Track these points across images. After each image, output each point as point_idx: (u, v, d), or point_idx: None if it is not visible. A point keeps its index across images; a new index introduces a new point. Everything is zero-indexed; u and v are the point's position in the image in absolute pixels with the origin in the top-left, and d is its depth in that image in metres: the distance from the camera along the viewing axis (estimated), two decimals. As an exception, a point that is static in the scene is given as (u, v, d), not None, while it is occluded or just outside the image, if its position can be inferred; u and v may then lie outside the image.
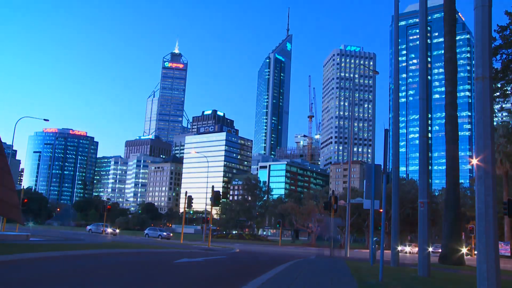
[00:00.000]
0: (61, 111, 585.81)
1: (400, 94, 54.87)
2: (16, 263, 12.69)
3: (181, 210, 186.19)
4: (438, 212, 57.75)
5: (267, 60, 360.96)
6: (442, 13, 27.98)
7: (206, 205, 55.32)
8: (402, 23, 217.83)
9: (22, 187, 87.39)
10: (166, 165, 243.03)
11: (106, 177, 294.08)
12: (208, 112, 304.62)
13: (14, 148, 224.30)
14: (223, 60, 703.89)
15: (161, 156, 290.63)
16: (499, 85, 26.95)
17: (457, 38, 33.56)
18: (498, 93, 27.30)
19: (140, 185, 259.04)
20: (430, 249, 17.33)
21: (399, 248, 22.95)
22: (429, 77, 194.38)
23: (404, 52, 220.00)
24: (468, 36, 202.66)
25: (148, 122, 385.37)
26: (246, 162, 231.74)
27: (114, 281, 10.21)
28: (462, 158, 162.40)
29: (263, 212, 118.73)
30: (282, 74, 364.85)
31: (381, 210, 16.04)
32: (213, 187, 38.91)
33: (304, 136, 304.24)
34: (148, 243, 35.73)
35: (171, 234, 62.64)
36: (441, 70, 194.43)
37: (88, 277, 10.77)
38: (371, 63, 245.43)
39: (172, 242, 41.38)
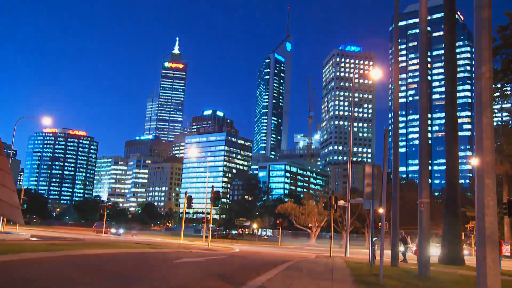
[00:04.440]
0: (61, 111, 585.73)
1: (400, 94, 55.07)
2: (16, 263, 12.68)
3: (181, 210, 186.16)
4: (438, 212, 57.67)
5: (267, 60, 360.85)
6: (442, 13, 27.96)
7: (206, 204, 55.32)
8: (402, 23, 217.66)
9: (22, 187, 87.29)
10: (165, 165, 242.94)
11: (106, 177, 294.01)
12: (208, 112, 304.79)
13: (14, 148, 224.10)
14: (223, 60, 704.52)
15: (161, 156, 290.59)
16: (499, 85, 26.98)
17: (457, 38, 33.56)
18: (498, 93, 27.32)
19: (140, 185, 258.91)
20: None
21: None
22: (429, 77, 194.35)
23: (404, 52, 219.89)
24: (468, 36, 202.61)
25: (148, 122, 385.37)
26: (246, 162, 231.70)
27: (114, 281, 10.20)
28: (462, 158, 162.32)
29: (263, 212, 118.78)
30: (282, 74, 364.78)
31: (381, 210, 16.03)
32: (213, 187, 38.86)
33: (304, 136, 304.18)
34: (148, 243, 35.70)
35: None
36: (441, 70, 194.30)
37: (88, 277, 10.76)
38: (371, 63, 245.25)
39: (172, 242, 41.36)
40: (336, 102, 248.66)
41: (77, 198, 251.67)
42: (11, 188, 16.61)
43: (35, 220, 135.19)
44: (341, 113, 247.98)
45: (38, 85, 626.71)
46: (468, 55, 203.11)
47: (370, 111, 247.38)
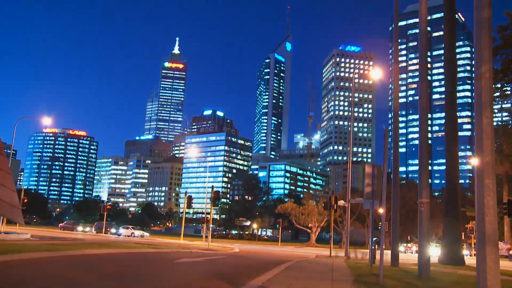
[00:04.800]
0: (61, 111, 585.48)
1: (400, 94, 54.90)
2: (16, 263, 12.68)
3: (181, 210, 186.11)
4: (438, 212, 57.70)
5: (267, 60, 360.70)
6: (442, 13, 27.96)
7: (206, 204, 55.31)
8: (402, 23, 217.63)
9: (22, 187, 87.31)
10: (165, 165, 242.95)
11: (106, 177, 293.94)
12: (208, 112, 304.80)
13: (14, 148, 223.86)
14: (223, 60, 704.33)
15: (161, 156, 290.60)
16: (499, 85, 26.99)
17: (457, 38, 33.56)
18: (498, 93, 27.33)
19: (139, 185, 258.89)
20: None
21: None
22: (429, 77, 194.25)
23: (404, 52, 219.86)
24: (468, 36, 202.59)
25: (148, 122, 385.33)
26: (246, 162, 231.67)
27: (114, 281, 10.20)
28: (462, 158, 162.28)
29: (263, 212, 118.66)
30: (282, 74, 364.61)
31: (381, 210, 16.03)
32: (213, 187, 38.88)
33: (304, 136, 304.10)
34: (149, 243, 35.69)
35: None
36: (441, 70, 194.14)
37: (88, 277, 10.76)
38: (371, 63, 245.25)
39: (172, 242, 41.36)
40: (336, 102, 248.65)
41: (77, 198, 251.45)
42: (11, 188, 16.60)
43: (35, 220, 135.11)
44: (341, 113, 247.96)
45: (38, 85, 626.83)
46: (468, 55, 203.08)
47: (370, 111, 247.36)
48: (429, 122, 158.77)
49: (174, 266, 15.26)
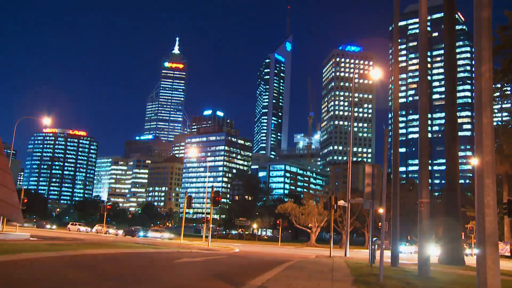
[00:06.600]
0: (61, 111, 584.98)
1: (400, 94, 55.09)
2: (16, 263, 12.67)
3: (181, 210, 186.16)
4: (438, 212, 57.69)
5: (267, 60, 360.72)
6: (442, 13, 27.97)
7: (205, 204, 55.32)
8: (402, 23, 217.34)
9: (22, 187, 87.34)
10: (165, 165, 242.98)
11: (106, 177, 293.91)
12: (208, 112, 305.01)
13: (14, 148, 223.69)
14: (223, 60, 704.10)
15: (161, 156, 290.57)
16: (499, 85, 26.99)
17: (457, 38, 33.54)
18: (498, 93, 27.34)
19: (139, 185, 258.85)
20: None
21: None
22: (429, 77, 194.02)
23: (404, 52, 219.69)
24: (468, 36, 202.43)
25: (148, 122, 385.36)
26: (246, 162, 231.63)
27: (114, 281, 10.20)
28: (462, 158, 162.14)
29: (263, 212, 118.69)
30: (282, 74, 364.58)
31: (381, 210, 16.03)
32: (213, 187, 38.88)
33: (304, 136, 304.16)
34: (148, 243, 35.70)
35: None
36: (441, 70, 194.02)
37: (88, 277, 10.76)
38: (371, 63, 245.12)
39: (172, 242, 41.35)
40: (336, 102, 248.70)
41: (77, 198, 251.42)
42: (11, 188, 16.62)
43: (35, 220, 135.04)
44: (341, 113, 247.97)
45: (38, 85, 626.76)
46: (468, 55, 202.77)
47: (370, 111, 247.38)
48: (429, 122, 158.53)
49: (175, 266, 15.26)
